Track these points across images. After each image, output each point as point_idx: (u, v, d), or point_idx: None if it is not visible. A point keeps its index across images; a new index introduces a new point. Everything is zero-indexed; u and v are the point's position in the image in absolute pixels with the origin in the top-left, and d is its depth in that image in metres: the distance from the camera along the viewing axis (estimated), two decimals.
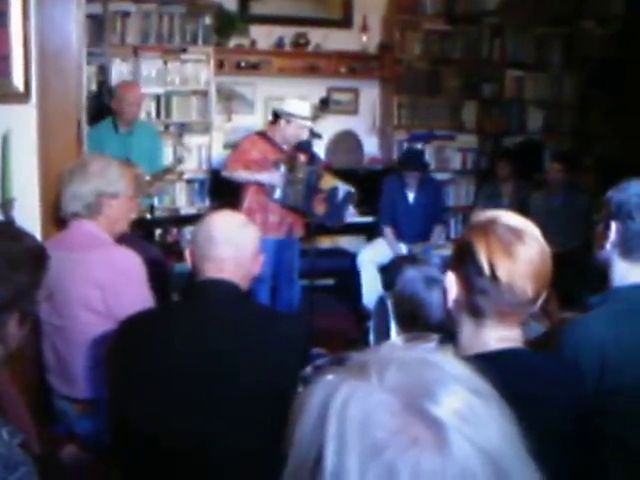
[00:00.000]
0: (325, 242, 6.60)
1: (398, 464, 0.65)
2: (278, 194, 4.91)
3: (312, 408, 0.71)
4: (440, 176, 6.97)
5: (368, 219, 6.30)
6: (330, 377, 0.72)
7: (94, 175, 2.77)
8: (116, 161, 3.03)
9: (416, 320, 2.29)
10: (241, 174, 4.98)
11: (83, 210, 2.76)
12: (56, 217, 2.91)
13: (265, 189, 4.96)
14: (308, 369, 0.77)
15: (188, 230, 6.08)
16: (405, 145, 6.97)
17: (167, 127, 6.40)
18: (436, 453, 0.65)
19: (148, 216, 5.07)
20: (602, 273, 2.06)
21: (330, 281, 6.68)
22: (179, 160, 5.60)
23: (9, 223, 2.26)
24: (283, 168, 4.89)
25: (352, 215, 5.08)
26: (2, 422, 1.43)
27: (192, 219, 5.47)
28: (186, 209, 6.42)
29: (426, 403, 0.68)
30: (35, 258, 1.62)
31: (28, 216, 2.79)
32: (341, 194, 4.93)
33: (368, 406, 0.68)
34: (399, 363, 0.72)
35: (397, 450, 0.65)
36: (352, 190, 4.97)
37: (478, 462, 0.66)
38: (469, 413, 0.69)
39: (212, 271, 2.11)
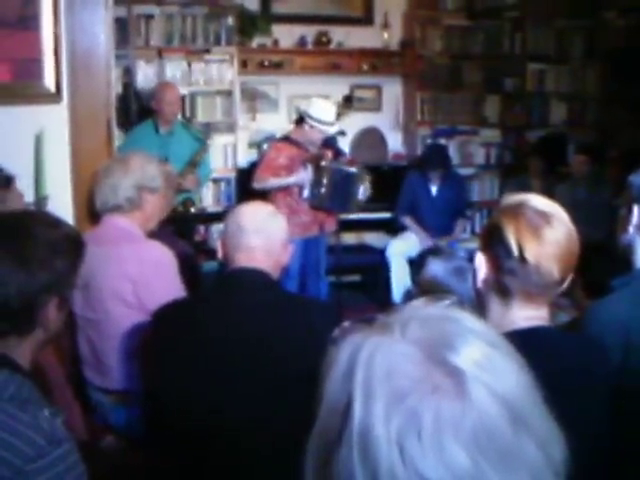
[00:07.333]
0: (350, 238, 6.63)
1: (420, 410, 0.69)
2: (307, 193, 5.00)
3: (340, 362, 0.75)
4: (464, 171, 6.97)
5: (393, 215, 6.33)
6: (357, 335, 0.77)
7: (135, 169, 2.83)
8: (154, 158, 3.10)
9: None
10: (273, 182, 5.03)
11: (124, 203, 2.80)
12: (89, 213, 2.97)
13: (294, 190, 5.03)
14: (336, 331, 0.81)
15: (215, 229, 6.14)
16: (429, 141, 6.97)
17: None
18: (456, 399, 0.69)
19: (192, 210, 5.22)
20: (628, 262, 2.08)
21: (356, 277, 6.71)
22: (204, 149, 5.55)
23: (48, 212, 2.32)
24: (310, 167, 4.97)
25: (364, 194, 5.11)
26: (44, 402, 1.48)
27: (219, 217, 5.52)
28: (213, 208, 6.47)
29: (446, 353, 0.72)
30: (73, 244, 1.66)
31: (61, 213, 2.78)
32: (339, 177, 5.01)
33: (392, 357, 0.73)
34: (420, 319, 0.77)
35: (419, 397, 0.69)
36: (354, 171, 5.05)
37: (496, 408, 0.70)
38: (487, 363, 0.73)
39: (243, 260, 2.15)
